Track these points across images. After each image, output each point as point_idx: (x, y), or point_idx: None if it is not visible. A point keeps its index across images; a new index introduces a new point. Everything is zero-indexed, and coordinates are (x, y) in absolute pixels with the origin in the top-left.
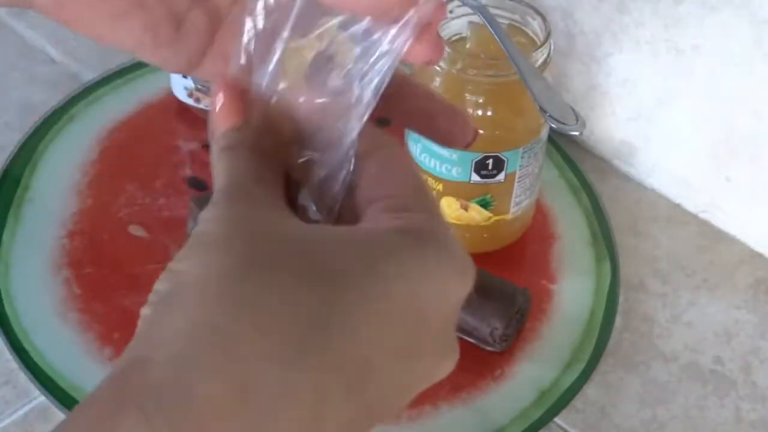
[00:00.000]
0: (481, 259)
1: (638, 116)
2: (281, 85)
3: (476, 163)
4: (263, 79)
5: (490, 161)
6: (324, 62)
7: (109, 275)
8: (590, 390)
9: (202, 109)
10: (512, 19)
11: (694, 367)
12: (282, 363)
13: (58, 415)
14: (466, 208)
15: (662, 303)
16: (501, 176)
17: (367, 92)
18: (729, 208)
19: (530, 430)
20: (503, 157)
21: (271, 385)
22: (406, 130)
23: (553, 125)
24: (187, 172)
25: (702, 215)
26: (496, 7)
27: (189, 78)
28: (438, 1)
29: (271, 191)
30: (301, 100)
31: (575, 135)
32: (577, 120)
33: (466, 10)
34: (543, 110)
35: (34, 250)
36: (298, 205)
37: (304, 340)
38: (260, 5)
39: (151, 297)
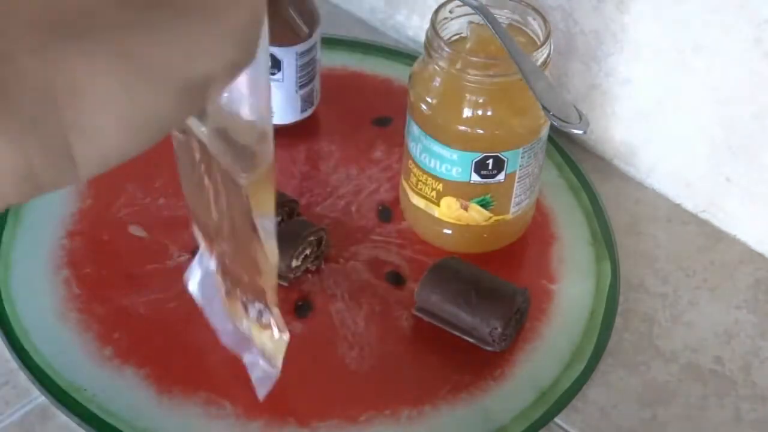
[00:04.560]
0: (481, 259)
1: (638, 116)
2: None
3: (476, 163)
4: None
5: (490, 161)
6: None
7: (109, 275)
8: (590, 390)
9: None
10: (512, 19)
11: (694, 367)
12: None
13: (58, 415)
14: (466, 208)
15: (662, 303)
16: (501, 176)
17: None
18: (729, 208)
19: (530, 430)
20: (503, 157)
21: None
22: (406, 130)
23: (556, 124)
24: None
25: (702, 215)
26: (496, 7)
27: None
28: None
29: None
30: None
31: (579, 134)
32: (581, 118)
33: (466, 10)
34: (546, 109)
35: (34, 250)
36: None
37: None
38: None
39: None
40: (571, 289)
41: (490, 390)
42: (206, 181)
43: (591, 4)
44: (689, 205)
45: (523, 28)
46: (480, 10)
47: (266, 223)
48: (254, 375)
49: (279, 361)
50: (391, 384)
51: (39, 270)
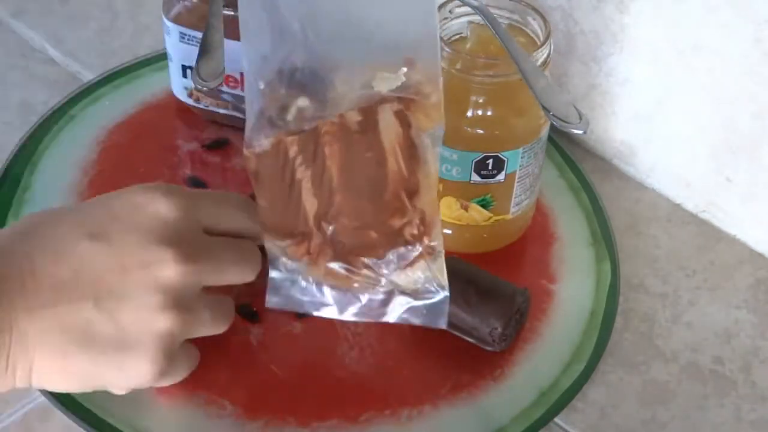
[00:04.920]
0: (481, 259)
1: (638, 116)
2: None
3: (476, 163)
4: None
5: (490, 161)
6: None
7: None
8: (590, 390)
9: (202, 109)
10: (512, 19)
11: (694, 367)
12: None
13: (58, 415)
14: (466, 208)
15: (662, 303)
16: (501, 176)
17: None
18: (729, 208)
19: (530, 430)
20: (503, 157)
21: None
22: None
23: (556, 124)
24: (187, 172)
25: (702, 215)
26: (496, 7)
27: (189, 78)
28: None
29: None
30: None
31: (579, 133)
32: (581, 118)
33: (466, 10)
34: (546, 109)
35: None
36: None
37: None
38: None
39: None
40: (571, 289)
41: (490, 390)
42: (300, 173)
43: (591, 4)
44: (689, 205)
45: (523, 28)
46: (480, 10)
47: (436, 131)
48: (420, 320)
49: (444, 280)
50: (391, 384)
51: None
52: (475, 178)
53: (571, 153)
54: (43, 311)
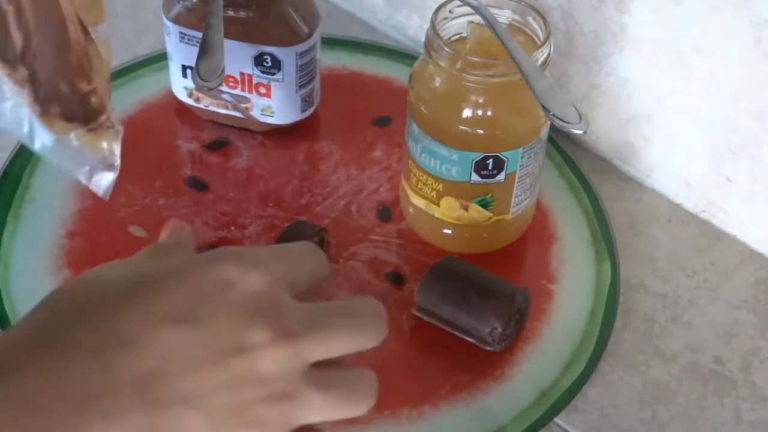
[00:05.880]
0: (481, 259)
1: (638, 116)
2: None
3: (476, 163)
4: None
5: (490, 161)
6: None
7: None
8: (590, 390)
9: (202, 109)
10: (512, 19)
11: (694, 367)
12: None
13: None
14: (466, 208)
15: (662, 303)
16: (501, 176)
17: None
18: (729, 208)
19: (530, 430)
20: (503, 157)
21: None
22: (406, 130)
23: (556, 124)
24: (187, 172)
25: (702, 215)
26: (496, 7)
27: (189, 78)
28: None
29: None
30: None
31: (579, 134)
32: (581, 118)
33: (466, 10)
34: (546, 109)
35: (34, 250)
36: None
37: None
38: None
39: None
40: (571, 289)
41: (490, 390)
42: (4, 3)
43: (591, 4)
44: (689, 205)
45: (523, 28)
46: (480, 10)
47: (100, 29)
48: (93, 181)
49: (117, 154)
50: (391, 384)
51: (39, 270)
52: (475, 178)
53: (571, 153)
54: (124, 416)
